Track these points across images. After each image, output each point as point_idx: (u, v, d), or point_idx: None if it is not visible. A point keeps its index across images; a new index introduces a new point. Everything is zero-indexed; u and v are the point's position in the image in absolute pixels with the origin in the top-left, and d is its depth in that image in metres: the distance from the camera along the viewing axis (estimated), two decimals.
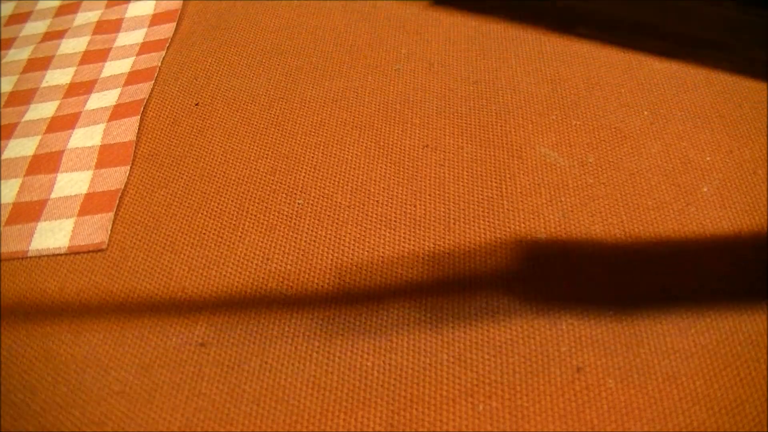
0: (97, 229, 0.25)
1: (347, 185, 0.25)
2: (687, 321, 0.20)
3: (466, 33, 0.31)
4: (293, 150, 0.27)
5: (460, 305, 0.21)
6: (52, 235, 0.25)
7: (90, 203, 0.26)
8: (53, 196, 0.27)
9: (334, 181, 0.26)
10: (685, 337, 0.20)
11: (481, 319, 0.21)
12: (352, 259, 0.23)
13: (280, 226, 0.24)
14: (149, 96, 0.31)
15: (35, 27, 0.36)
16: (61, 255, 0.25)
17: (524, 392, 0.19)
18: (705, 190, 0.23)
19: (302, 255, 0.23)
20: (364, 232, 0.24)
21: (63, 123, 0.30)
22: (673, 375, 0.19)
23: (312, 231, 0.24)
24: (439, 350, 0.20)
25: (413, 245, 0.23)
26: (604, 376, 0.19)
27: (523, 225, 0.23)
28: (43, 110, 0.31)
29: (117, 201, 0.26)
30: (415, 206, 0.24)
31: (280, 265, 0.23)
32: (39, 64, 0.34)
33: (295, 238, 0.24)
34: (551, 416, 0.19)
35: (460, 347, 0.20)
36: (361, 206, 0.24)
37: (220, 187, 0.26)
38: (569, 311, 0.21)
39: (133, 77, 0.32)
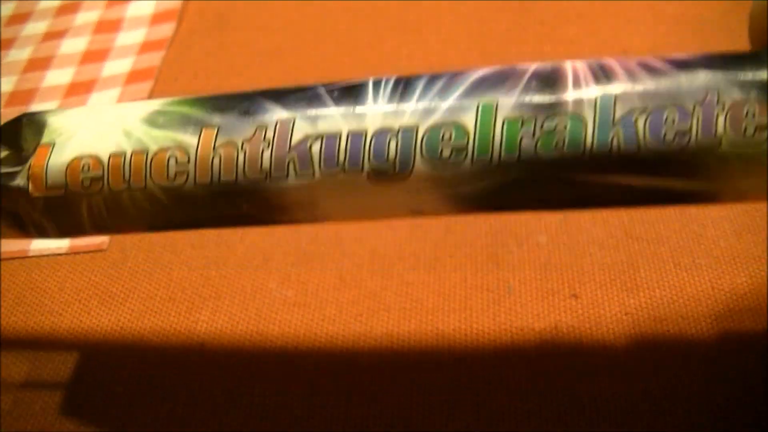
0: None
1: None
2: None
3: (467, 33, 0.31)
4: None
5: (460, 305, 0.21)
6: None
7: None
8: None
9: None
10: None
11: (481, 320, 0.21)
12: (352, 259, 0.23)
13: (280, 227, 0.24)
14: (149, 95, 0.31)
15: (36, 27, 0.36)
16: (61, 255, 0.25)
17: None
18: None
19: (302, 255, 0.23)
20: (365, 232, 0.24)
21: None
22: None
23: (312, 231, 0.24)
24: (440, 351, 0.20)
25: (413, 246, 0.23)
26: None
27: (523, 227, 0.23)
28: None
29: None
30: None
31: (280, 266, 0.23)
32: (39, 64, 0.34)
33: (296, 238, 0.24)
34: None
35: (461, 345, 0.20)
36: None
37: None
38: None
39: (133, 76, 0.32)
